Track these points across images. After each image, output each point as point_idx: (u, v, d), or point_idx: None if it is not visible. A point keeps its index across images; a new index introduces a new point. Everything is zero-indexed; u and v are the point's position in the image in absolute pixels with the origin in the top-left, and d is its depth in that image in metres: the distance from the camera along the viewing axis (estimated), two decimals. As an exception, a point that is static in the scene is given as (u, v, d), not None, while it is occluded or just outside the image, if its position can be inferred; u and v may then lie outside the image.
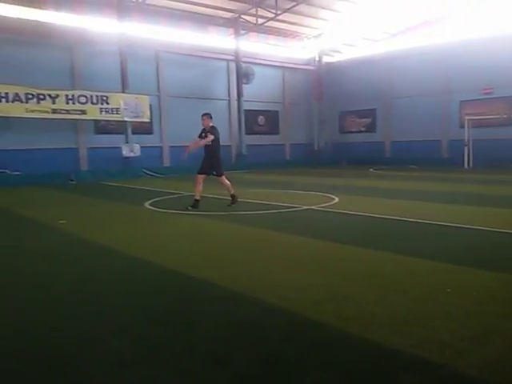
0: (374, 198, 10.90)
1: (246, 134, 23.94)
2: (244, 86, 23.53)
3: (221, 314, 3.61)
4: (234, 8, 22.05)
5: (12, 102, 16.50)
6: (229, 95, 24.23)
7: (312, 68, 27.25)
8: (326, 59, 27.51)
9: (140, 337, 3.24)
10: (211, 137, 9.26)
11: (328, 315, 3.49)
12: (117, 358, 2.92)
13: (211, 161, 9.55)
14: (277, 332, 3.26)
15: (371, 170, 21.00)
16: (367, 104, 26.31)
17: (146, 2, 19.63)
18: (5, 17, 16.92)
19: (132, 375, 2.71)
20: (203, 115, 9.57)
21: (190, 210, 9.05)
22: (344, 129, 28.00)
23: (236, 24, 22.96)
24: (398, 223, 7.47)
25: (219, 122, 23.41)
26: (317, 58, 27.29)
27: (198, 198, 9.29)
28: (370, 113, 26.58)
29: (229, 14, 22.50)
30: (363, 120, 27.00)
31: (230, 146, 23.50)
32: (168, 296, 4.14)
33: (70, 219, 8.47)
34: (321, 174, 18.93)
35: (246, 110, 23.86)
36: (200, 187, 9.37)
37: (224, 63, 23.78)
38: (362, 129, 27.13)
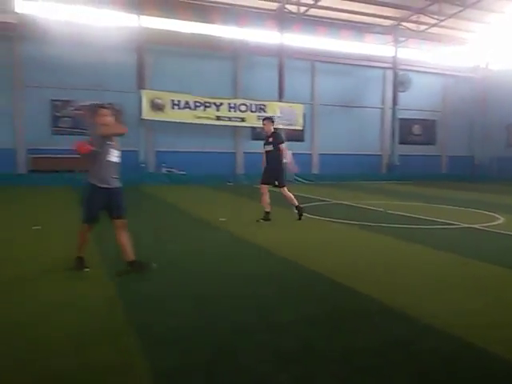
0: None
1: (399, 143, 23.13)
2: (399, 93, 22.78)
3: (378, 329, 3.62)
4: (395, 15, 21.52)
5: (183, 109, 18.44)
6: (383, 103, 23.68)
7: (476, 76, 25.21)
8: (492, 67, 25.22)
9: (298, 336, 3.42)
10: (284, 147, 8.82)
11: (495, 345, 3.27)
12: (275, 354, 3.13)
13: (272, 170, 8.93)
14: (437, 353, 3.16)
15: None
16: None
17: (307, 13, 20.25)
18: (180, 32, 18.94)
19: (289, 371, 2.88)
20: (264, 120, 9.01)
21: (261, 222, 8.64)
22: (512, 142, 25.29)
23: (395, 31, 22.36)
24: None
25: (370, 130, 23.25)
26: (482, 66, 25.18)
27: (267, 210, 8.73)
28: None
29: (388, 22, 22.03)
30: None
31: (380, 155, 22.94)
32: (323, 302, 4.27)
33: (229, 218, 9.17)
34: (481, 190, 17.38)
35: (400, 119, 23.08)
36: (266, 198, 8.77)
37: (380, 71, 23.31)
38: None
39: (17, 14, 16.77)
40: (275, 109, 19.77)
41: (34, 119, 17.50)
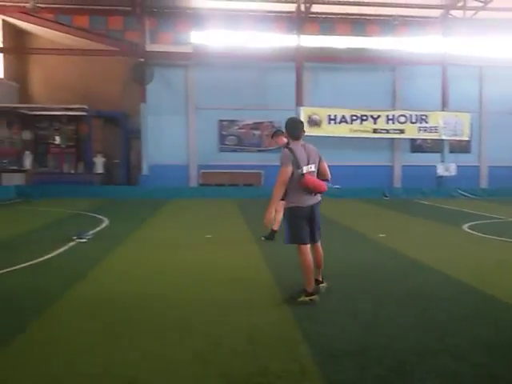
0: None
1: None
2: None
3: None
4: None
5: (339, 123, 18.56)
6: None
7: None
8: None
9: (475, 363, 3.20)
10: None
11: None
12: (452, 379, 2.98)
13: None
14: None
15: None
16: None
17: (474, 16, 18.83)
18: (336, 48, 19.11)
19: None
20: (272, 136, 7.66)
21: (263, 240, 7.94)
22: None
23: None
24: None
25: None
26: None
27: (275, 228, 7.88)
28: None
29: None
30: None
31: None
32: (503, 329, 3.92)
33: (388, 233, 8.94)
34: None
35: None
36: (279, 216, 7.46)
37: None
38: None
39: (191, 44, 18.79)
40: (438, 119, 18.68)
41: (204, 138, 19.31)
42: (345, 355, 3.32)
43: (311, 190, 4.61)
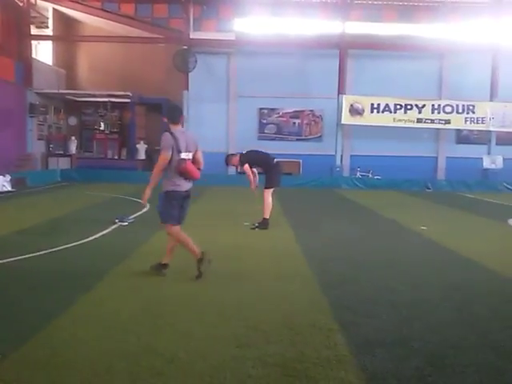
0: None
1: None
2: None
3: None
4: None
5: (382, 112, 18.16)
6: None
7: None
8: None
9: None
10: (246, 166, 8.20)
11: None
12: (492, 376, 2.91)
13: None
14: None
15: None
16: None
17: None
18: (381, 35, 18.66)
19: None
20: (226, 163, 8.56)
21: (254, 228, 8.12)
22: None
23: None
24: None
25: None
26: None
27: (266, 216, 8.23)
28: None
29: None
30: None
31: None
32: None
33: (430, 226, 8.74)
34: None
35: None
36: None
37: None
38: None
39: (234, 31, 18.81)
40: (486, 109, 17.96)
41: (243, 126, 19.36)
42: (382, 346, 3.29)
43: (188, 176, 4.80)
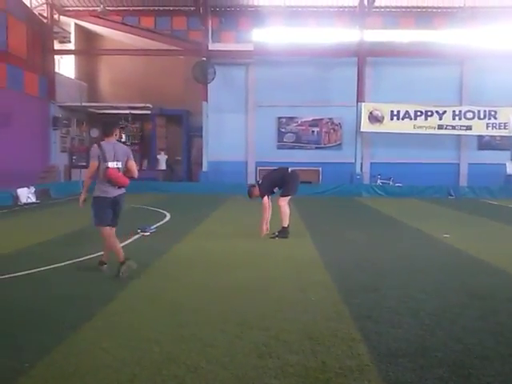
0: None
1: None
2: None
3: None
4: None
5: (402, 119, 18.04)
6: None
7: None
8: None
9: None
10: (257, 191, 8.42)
11: None
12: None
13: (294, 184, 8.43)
14: None
15: None
16: None
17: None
18: (400, 42, 18.59)
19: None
20: (249, 196, 8.56)
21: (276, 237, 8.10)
22: None
23: None
24: None
25: None
26: None
27: (285, 225, 8.27)
28: None
29: None
30: None
31: None
32: None
33: (453, 234, 8.60)
34: None
35: None
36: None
37: None
38: None
39: (252, 42, 18.97)
40: (508, 115, 17.66)
41: (262, 135, 19.44)
42: (405, 355, 3.25)
43: (113, 183, 5.30)
